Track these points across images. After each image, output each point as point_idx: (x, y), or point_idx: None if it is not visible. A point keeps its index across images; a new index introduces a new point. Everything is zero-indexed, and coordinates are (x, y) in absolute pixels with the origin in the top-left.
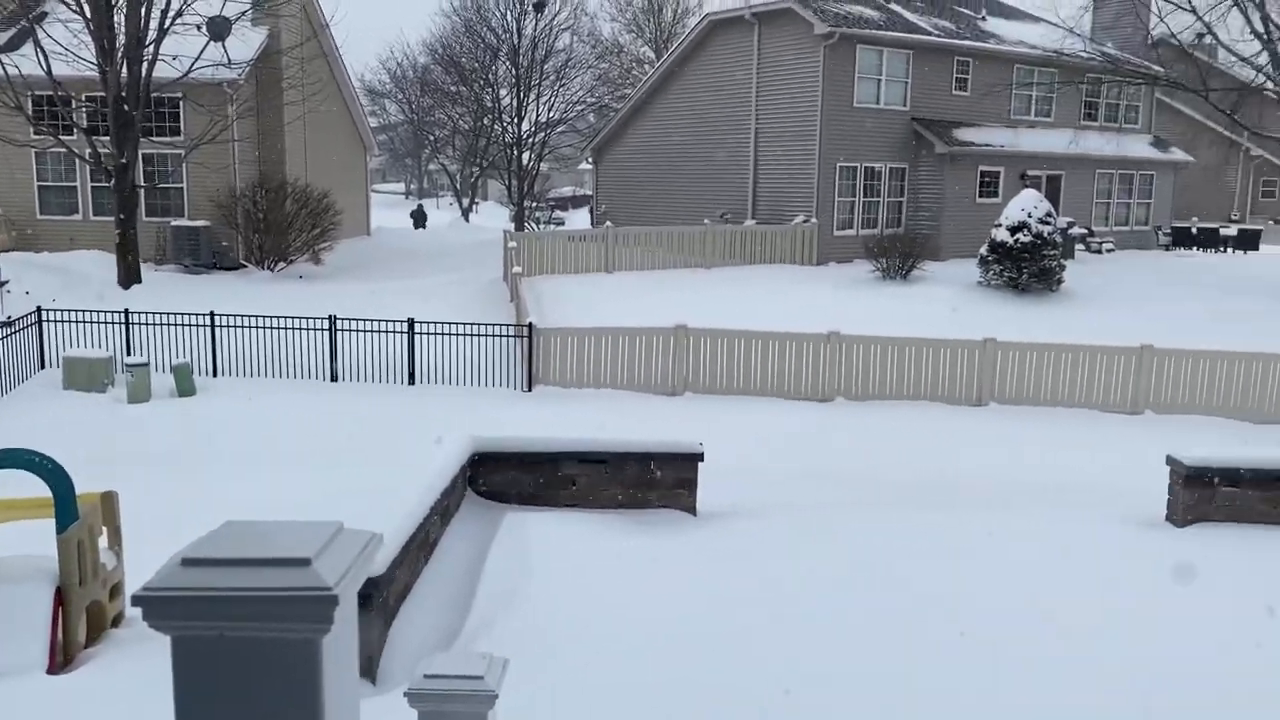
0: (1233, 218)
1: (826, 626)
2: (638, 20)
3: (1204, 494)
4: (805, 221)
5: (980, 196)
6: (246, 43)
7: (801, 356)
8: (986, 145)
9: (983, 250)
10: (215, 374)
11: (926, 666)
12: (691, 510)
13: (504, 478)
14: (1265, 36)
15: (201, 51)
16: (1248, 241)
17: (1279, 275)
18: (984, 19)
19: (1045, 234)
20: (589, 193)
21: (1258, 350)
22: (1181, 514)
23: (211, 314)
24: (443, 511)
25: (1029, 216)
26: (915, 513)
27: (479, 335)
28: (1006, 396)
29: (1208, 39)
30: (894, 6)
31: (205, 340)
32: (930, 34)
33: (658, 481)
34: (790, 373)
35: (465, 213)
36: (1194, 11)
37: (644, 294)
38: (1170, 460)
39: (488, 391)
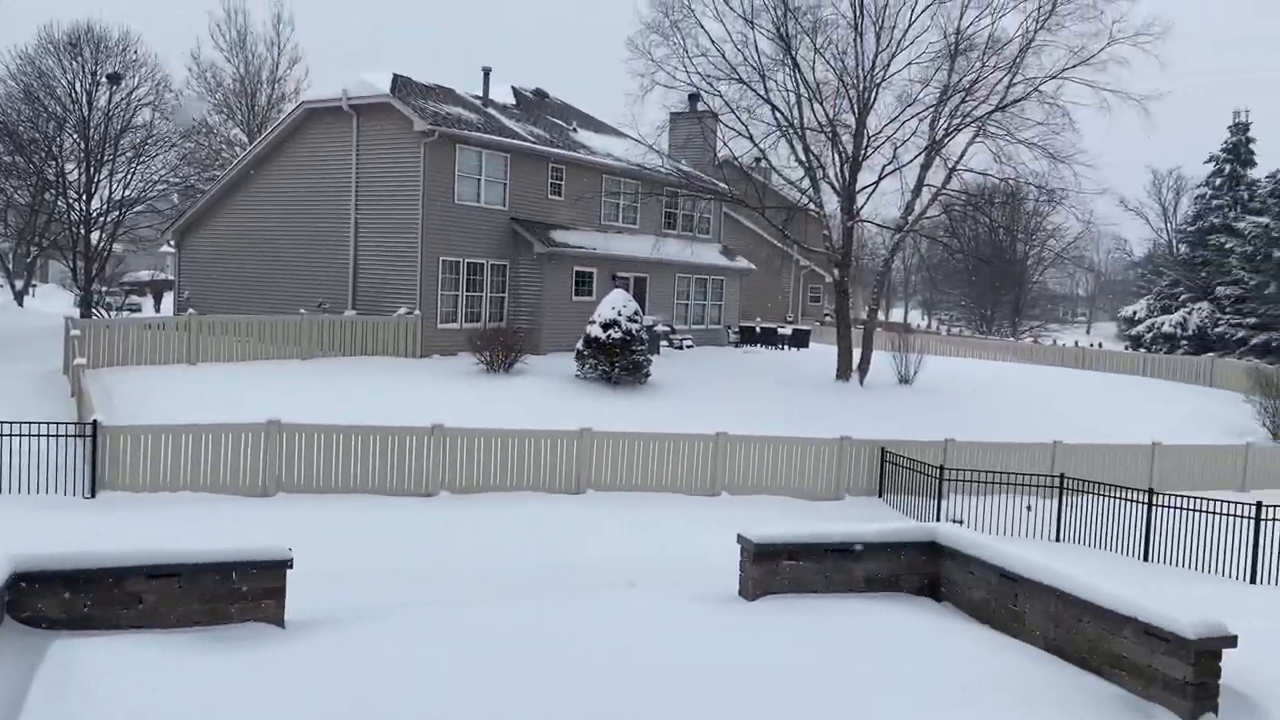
0: (788, 319)
1: None
2: (229, 102)
3: (770, 568)
4: (409, 313)
5: (576, 295)
6: None
7: (405, 450)
8: (581, 247)
9: (579, 345)
10: None
11: None
12: (279, 622)
13: (54, 600)
14: (807, 165)
15: None
16: (800, 340)
17: (826, 369)
18: (575, 130)
19: (634, 331)
20: (172, 277)
21: (808, 436)
22: (751, 589)
23: None
24: None
25: (619, 315)
26: (517, 602)
27: (29, 436)
28: (603, 484)
29: (764, 163)
30: (491, 111)
31: None
32: (526, 140)
33: (241, 593)
34: (393, 468)
35: (19, 295)
36: (751, 139)
37: (233, 388)
38: (740, 539)
39: (40, 499)
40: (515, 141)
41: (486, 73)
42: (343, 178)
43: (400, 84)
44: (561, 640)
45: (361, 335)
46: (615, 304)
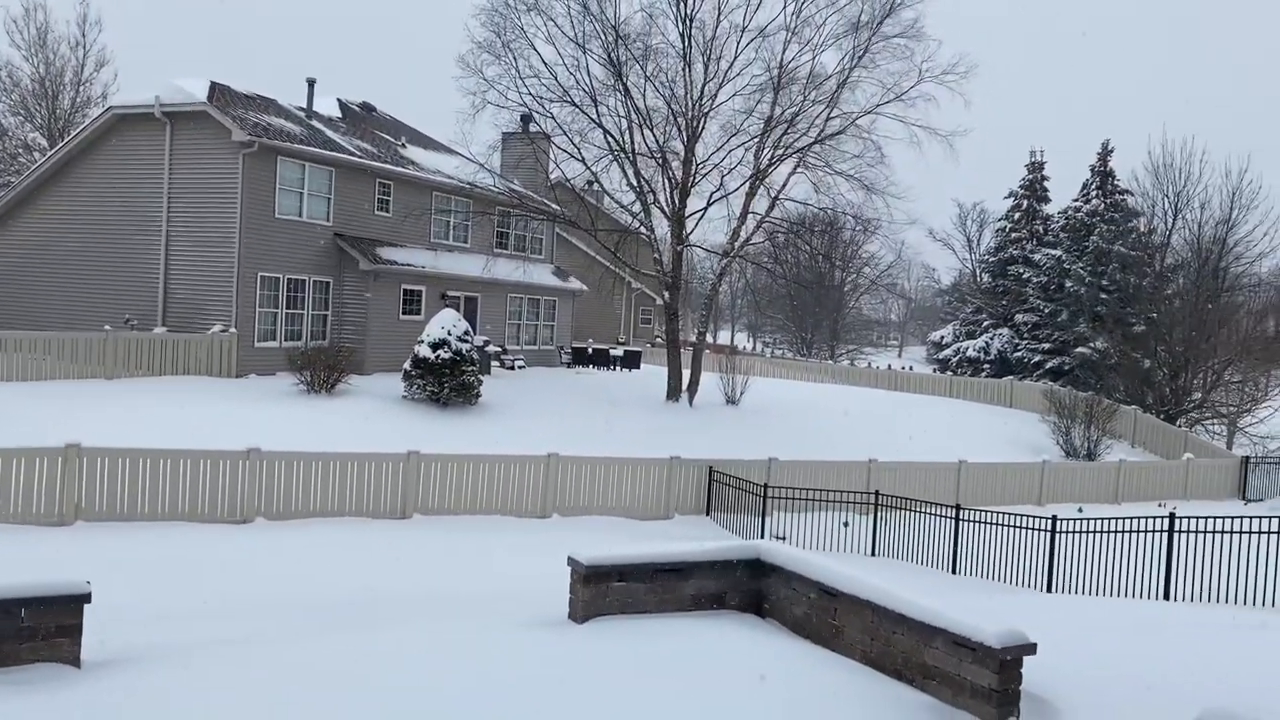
0: (620, 340)
1: None
2: (27, 103)
3: (600, 590)
4: (224, 331)
5: (403, 314)
6: None
7: (218, 475)
8: (409, 265)
9: (406, 365)
10: None
11: None
12: (75, 662)
13: None
14: (638, 189)
15: None
16: (631, 361)
17: (657, 390)
18: (404, 145)
19: (464, 351)
20: None
21: (639, 456)
22: (581, 611)
23: None
24: None
25: (449, 334)
26: (333, 636)
27: None
28: (430, 508)
29: (596, 186)
30: (316, 123)
31: None
32: (352, 154)
33: (32, 631)
34: (205, 493)
35: None
36: (583, 162)
37: (29, 409)
38: (570, 561)
39: None
40: (340, 155)
41: (311, 84)
42: (154, 188)
43: (218, 92)
44: (376, 675)
45: (172, 354)
46: (445, 323)
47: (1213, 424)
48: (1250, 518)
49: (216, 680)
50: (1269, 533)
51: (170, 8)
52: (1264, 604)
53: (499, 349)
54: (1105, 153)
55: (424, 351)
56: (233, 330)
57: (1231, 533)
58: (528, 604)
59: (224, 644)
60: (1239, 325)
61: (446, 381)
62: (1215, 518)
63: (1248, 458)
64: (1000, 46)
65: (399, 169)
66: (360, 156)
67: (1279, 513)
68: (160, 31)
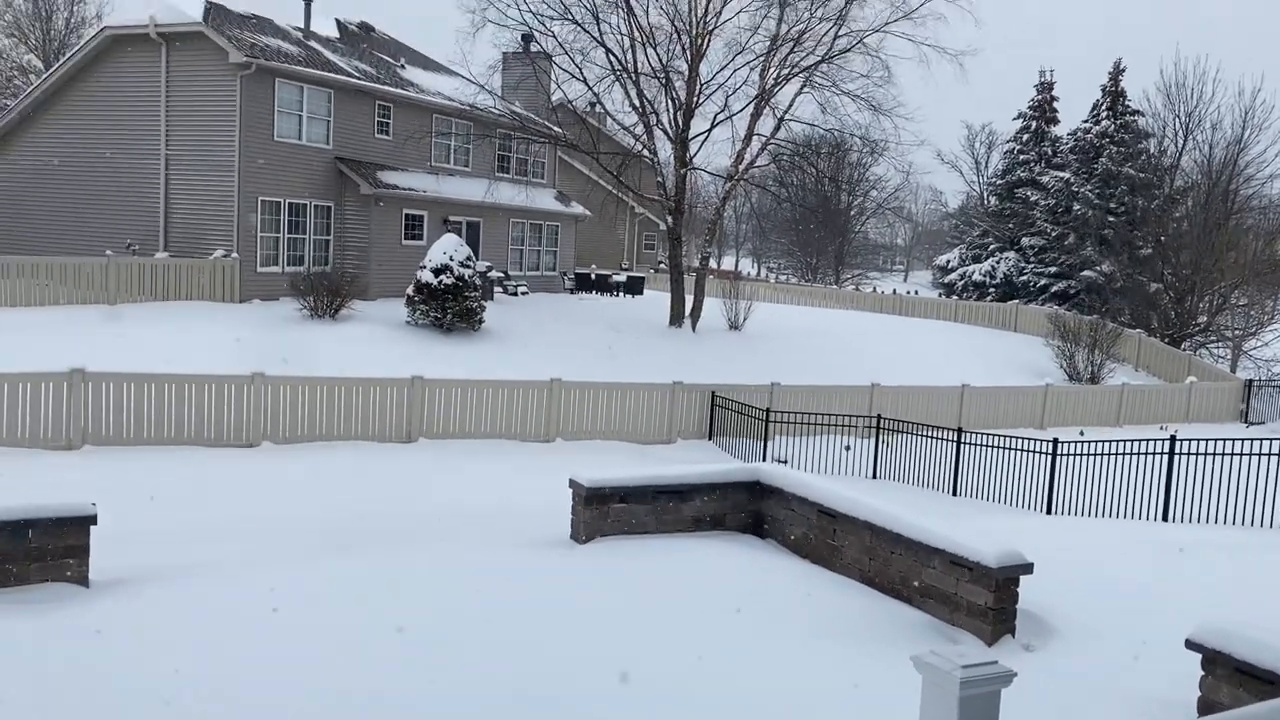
0: (623, 266)
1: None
2: (20, 25)
3: (600, 511)
4: (226, 256)
5: (406, 239)
6: None
7: (224, 400)
8: (410, 189)
9: (409, 291)
10: None
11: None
12: (83, 581)
13: None
14: (641, 110)
15: None
16: (634, 287)
17: (660, 316)
18: (404, 67)
19: (467, 277)
20: None
21: (641, 381)
22: (583, 531)
23: None
24: None
25: (451, 260)
26: (334, 560)
27: None
28: (435, 432)
29: (598, 108)
30: (314, 44)
31: None
32: (351, 75)
33: (39, 552)
34: (211, 418)
35: None
36: (585, 82)
37: (33, 334)
38: (572, 483)
39: None
40: (339, 77)
41: (308, 2)
42: (151, 111)
43: (214, 11)
44: (392, 592)
45: (175, 279)
46: (447, 248)
47: (1218, 347)
48: (1251, 440)
49: (234, 597)
50: (1269, 454)
51: None
52: (1261, 524)
53: (502, 274)
54: (1117, 72)
55: (427, 277)
56: (235, 255)
57: (1231, 455)
58: (532, 524)
59: (236, 565)
60: (1247, 248)
61: (450, 307)
62: (1216, 440)
63: (1251, 381)
64: None
65: (399, 90)
66: (359, 78)
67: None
68: None
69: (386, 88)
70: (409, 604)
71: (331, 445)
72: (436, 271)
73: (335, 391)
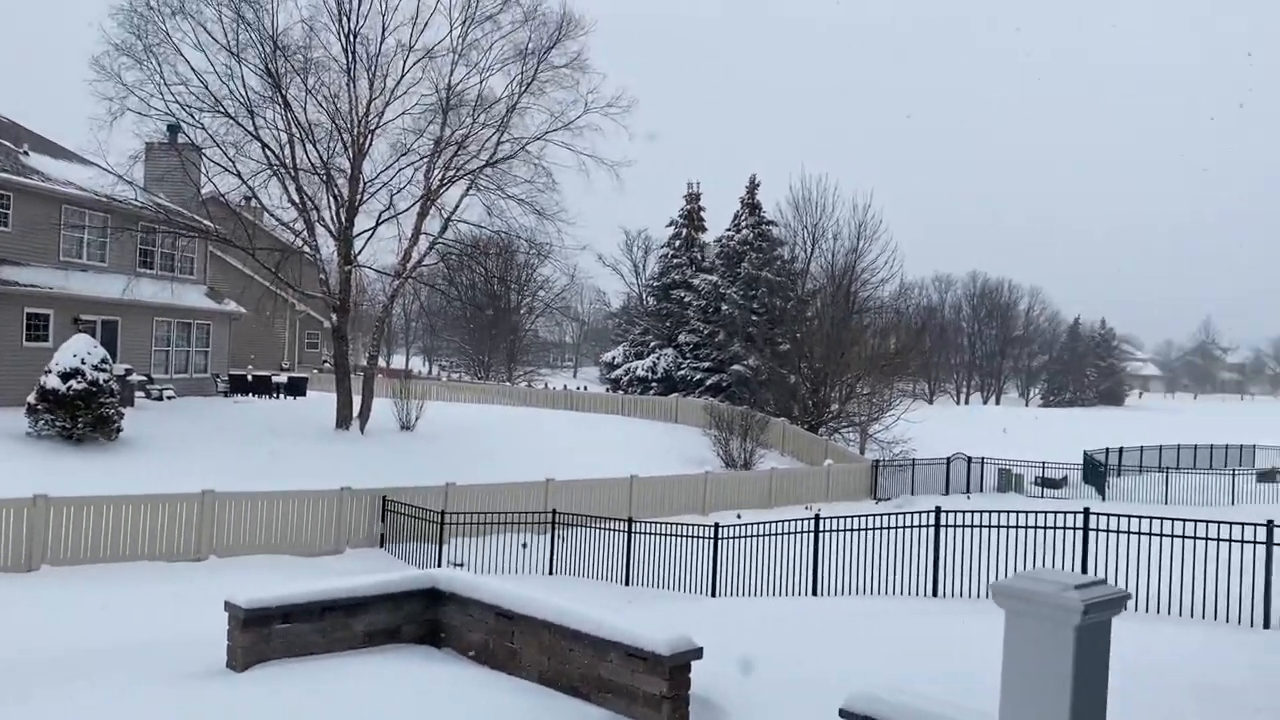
0: (284, 366)
1: None
2: None
3: (261, 634)
4: None
5: (28, 340)
6: None
7: None
8: (33, 286)
9: (31, 398)
10: None
11: None
12: None
13: None
14: (300, 206)
15: None
16: (297, 388)
17: (326, 418)
18: (26, 154)
19: (101, 381)
20: None
21: (305, 489)
22: (241, 658)
23: None
24: None
25: (83, 363)
26: None
27: None
28: (63, 558)
29: (254, 202)
30: None
31: None
32: None
33: None
34: None
35: None
36: (239, 176)
37: None
38: (228, 605)
39: None
40: None
41: None
42: None
43: None
44: None
45: None
46: (78, 350)
47: (849, 431)
48: (880, 515)
49: None
50: (895, 528)
51: None
52: (890, 593)
53: (145, 378)
54: (753, 186)
55: (53, 382)
56: None
57: (865, 530)
58: (180, 656)
59: None
60: (867, 344)
61: (80, 415)
62: (851, 516)
63: (878, 461)
64: (658, 84)
65: (20, 178)
66: None
67: (903, 509)
68: None
69: (5, 175)
70: None
71: None
72: (65, 376)
73: None
